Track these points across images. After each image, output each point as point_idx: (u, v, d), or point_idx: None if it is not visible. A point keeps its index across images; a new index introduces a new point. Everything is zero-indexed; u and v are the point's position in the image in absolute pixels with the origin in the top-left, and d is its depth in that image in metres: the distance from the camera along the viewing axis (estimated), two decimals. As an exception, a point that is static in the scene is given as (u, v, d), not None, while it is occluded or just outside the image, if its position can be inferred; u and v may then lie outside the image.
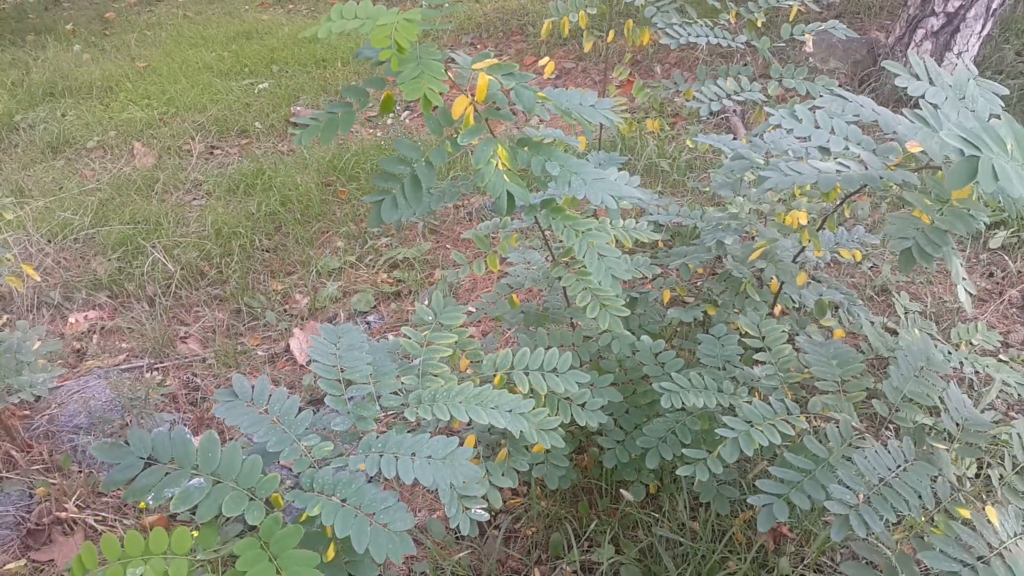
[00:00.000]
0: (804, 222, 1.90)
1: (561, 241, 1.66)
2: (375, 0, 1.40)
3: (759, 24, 2.43)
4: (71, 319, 3.10)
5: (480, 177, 1.40)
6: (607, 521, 2.09)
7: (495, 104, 1.47)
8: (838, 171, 1.45)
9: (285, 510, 1.29)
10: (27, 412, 2.60)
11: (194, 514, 1.17)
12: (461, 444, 1.34)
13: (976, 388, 2.49)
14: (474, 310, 2.18)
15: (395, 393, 1.48)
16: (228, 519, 1.22)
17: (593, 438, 2.09)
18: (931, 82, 1.36)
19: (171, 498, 1.18)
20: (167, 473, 1.21)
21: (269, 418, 1.37)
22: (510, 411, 1.43)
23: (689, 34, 2.36)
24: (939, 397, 1.63)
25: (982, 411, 2.35)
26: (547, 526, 2.12)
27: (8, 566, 2.09)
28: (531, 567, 2.05)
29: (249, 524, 1.19)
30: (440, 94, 1.29)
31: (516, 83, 1.42)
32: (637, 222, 2.04)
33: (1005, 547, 1.34)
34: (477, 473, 1.30)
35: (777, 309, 2.18)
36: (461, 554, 2.06)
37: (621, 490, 2.05)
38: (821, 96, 1.57)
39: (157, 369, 2.86)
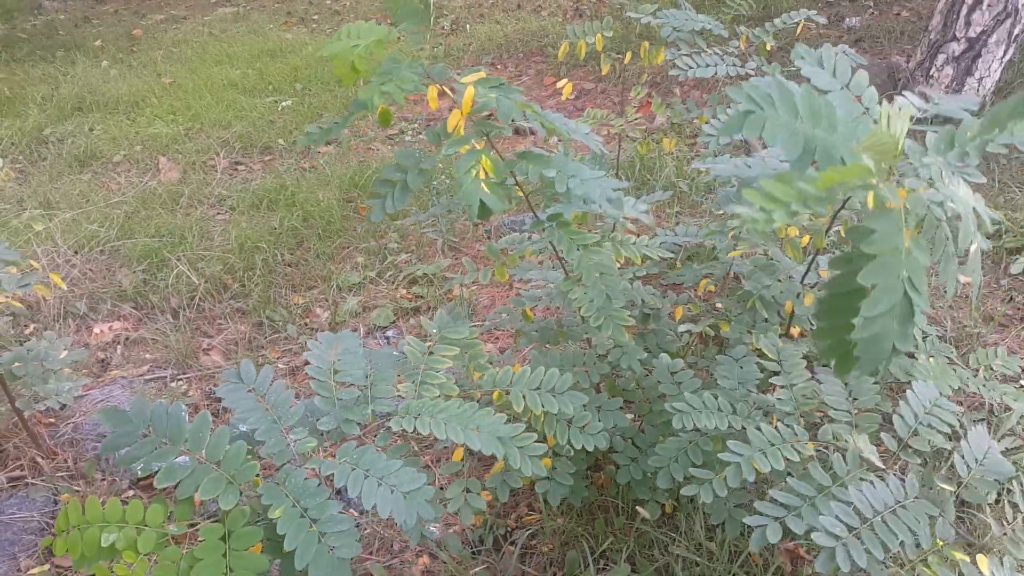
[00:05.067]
0: (822, 242, 1.91)
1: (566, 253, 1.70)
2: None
3: (769, 48, 2.45)
4: (96, 329, 3.15)
5: (458, 185, 1.47)
6: (623, 539, 2.09)
7: (493, 117, 1.56)
8: None
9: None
10: (52, 420, 2.65)
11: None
12: (455, 450, 1.36)
13: (996, 414, 2.48)
14: (485, 322, 2.20)
15: (389, 399, 1.50)
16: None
17: (609, 455, 2.10)
18: (834, 75, 1.41)
19: (157, 472, 1.25)
20: (159, 447, 1.27)
21: (264, 406, 1.41)
22: (489, 434, 1.44)
23: (698, 64, 2.38)
24: (958, 426, 1.63)
25: (1001, 437, 2.34)
26: (563, 543, 2.13)
27: (32, 571, 2.12)
28: (547, 584, 2.05)
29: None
30: (387, 105, 1.44)
31: (499, 95, 1.50)
32: (650, 239, 2.06)
33: None
34: (434, 515, 1.32)
35: (795, 331, 2.19)
36: (477, 569, 2.07)
37: (637, 508, 2.05)
38: None
39: (180, 380, 2.90)
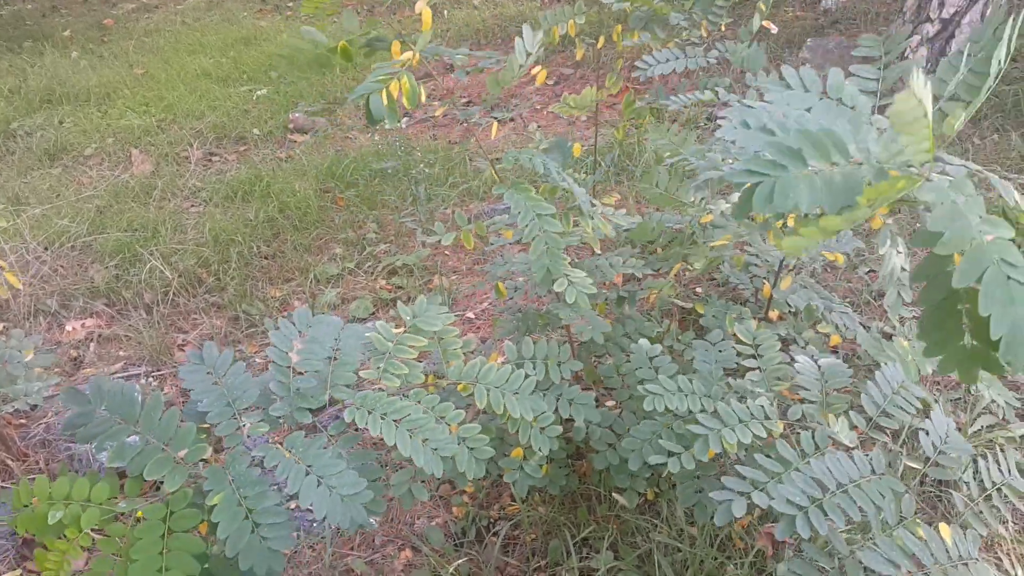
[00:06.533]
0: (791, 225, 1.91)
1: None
2: None
3: (723, 28, 2.45)
4: (68, 327, 3.09)
5: (363, 83, 1.48)
6: (605, 527, 2.09)
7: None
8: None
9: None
10: (23, 421, 2.60)
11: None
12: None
13: (972, 392, 2.49)
14: (472, 316, 2.18)
15: (348, 387, 1.48)
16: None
17: (589, 444, 2.09)
18: (805, 89, 1.33)
19: (109, 451, 1.29)
20: (113, 426, 1.31)
21: (221, 388, 1.42)
22: (436, 450, 1.41)
23: (659, 60, 2.37)
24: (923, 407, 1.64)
25: (977, 416, 2.36)
26: (546, 532, 2.12)
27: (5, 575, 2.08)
28: (530, 574, 2.04)
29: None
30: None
31: None
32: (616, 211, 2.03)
33: (953, 565, 1.35)
34: (370, 523, 1.32)
35: (774, 314, 2.19)
36: (459, 561, 2.05)
37: (615, 496, 2.05)
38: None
39: (154, 377, 2.86)
